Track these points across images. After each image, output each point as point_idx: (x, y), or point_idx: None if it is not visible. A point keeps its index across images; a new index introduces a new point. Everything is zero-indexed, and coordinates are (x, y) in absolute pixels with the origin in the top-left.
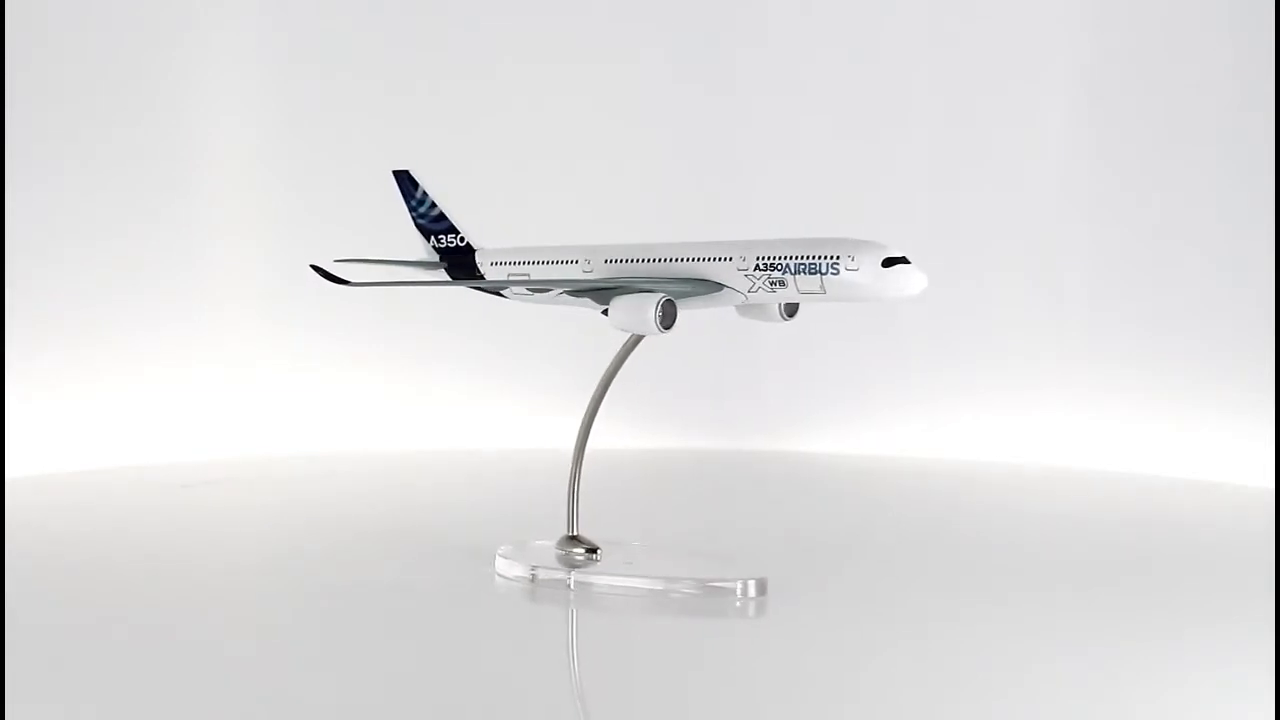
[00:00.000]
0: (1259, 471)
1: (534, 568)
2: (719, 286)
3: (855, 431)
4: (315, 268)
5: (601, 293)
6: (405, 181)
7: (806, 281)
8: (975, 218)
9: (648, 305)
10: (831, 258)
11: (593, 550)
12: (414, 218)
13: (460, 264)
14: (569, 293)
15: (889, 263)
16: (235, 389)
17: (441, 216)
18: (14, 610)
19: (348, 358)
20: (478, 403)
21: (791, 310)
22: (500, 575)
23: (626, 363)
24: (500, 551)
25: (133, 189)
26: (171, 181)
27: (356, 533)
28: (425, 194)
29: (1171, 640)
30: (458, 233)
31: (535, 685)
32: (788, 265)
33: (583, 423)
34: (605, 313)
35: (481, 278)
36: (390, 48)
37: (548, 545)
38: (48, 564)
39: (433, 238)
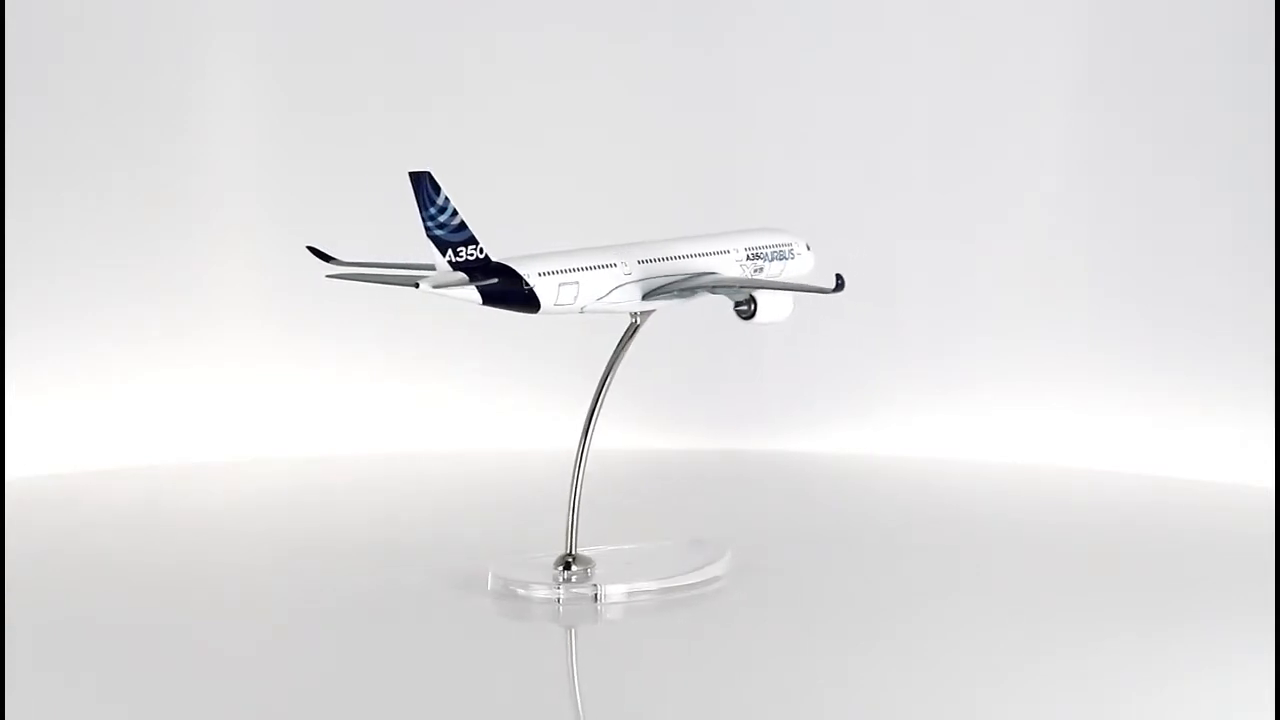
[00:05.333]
0: (1259, 471)
1: (559, 583)
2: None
3: (855, 431)
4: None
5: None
6: (425, 186)
7: (775, 267)
8: (975, 217)
9: (788, 297)
10: (789, 246)
11: (569, 564)
12: (430, 228)
13: (496, 280)
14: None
15: (808, 247)
16: (235, 389)
17: (462, 226)
18: (14, 610)
19: (348, 357)
20: (477, 402)
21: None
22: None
23: (623, 364)
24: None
25: (134, 188)
26: (172, 180)
27: (355, 542)
28: (447, 200)
29: (1171, 640)
30: (476, 243)
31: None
32: (768, 254)
33: (583, 431)
34: (741, 308)
35: (525, 293)
36: (390, 47)
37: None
38: (46, 564)
39: (449, 251)
